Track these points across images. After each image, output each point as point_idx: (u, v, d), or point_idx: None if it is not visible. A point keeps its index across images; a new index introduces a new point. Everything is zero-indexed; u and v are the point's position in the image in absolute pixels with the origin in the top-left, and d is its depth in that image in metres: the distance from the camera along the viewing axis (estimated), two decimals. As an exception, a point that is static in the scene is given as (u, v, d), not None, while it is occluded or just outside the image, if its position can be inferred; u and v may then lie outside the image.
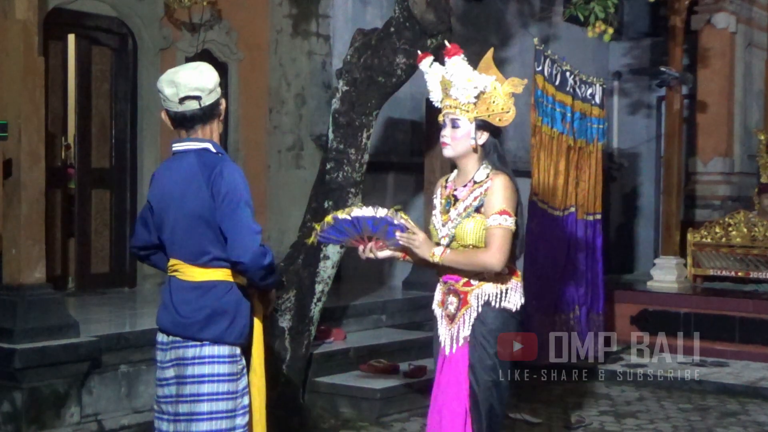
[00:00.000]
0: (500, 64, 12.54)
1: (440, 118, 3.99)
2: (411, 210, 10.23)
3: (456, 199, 3.91)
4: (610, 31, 7.34)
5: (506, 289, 3.89)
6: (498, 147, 3.97)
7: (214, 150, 3.52)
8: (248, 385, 3.58)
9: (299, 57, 9.58)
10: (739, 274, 9.01)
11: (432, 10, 6.16)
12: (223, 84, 9.02)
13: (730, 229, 9.27)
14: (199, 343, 3.46)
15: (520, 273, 3.98)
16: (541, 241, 7.15)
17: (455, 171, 4.01)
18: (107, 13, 8.03)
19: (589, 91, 7.68)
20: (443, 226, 3.91)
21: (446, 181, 4.05)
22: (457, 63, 4.05)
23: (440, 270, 3.94)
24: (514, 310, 3.92)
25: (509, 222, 3.75)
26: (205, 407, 3.45)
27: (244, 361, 3.57)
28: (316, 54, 9.75)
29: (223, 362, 3.46)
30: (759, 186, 10.13)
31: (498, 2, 11.56)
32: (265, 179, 9.18)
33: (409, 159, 10.16)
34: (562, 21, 10.84)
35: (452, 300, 3.92)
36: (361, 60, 6.27)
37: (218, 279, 3.49)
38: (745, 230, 9.25)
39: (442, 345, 3.94)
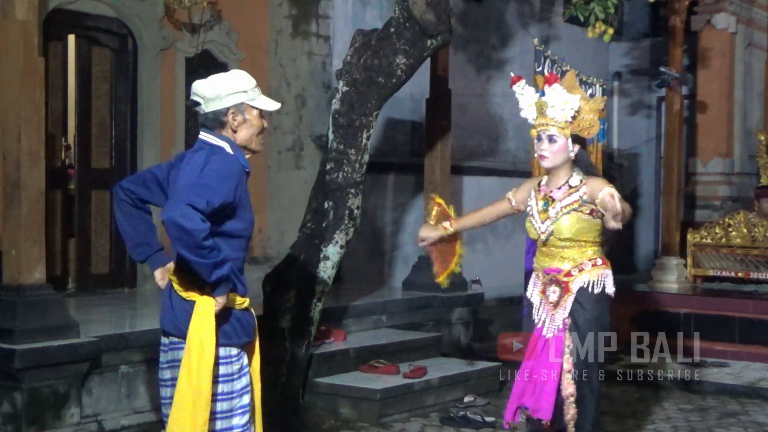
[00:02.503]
0: (500, 64, 12.69)
1: (533, 133, 4.64)
2: (411, 210, 10.23)
3: (553, 200, 4.59)
4: (610, 31, 7.33)
5: (601, 275, 4.58)
6: (585, 155, 4.77)
7: (230, 151, 3.59)
8: (249, 384, 3.57)
9: (299, 57, 9.59)
10: (739, 274, 9.00)
11: (432, 11, 6.16)
12: (223, 84, 9.06)
13: (730, 229, 9.27)
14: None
15: (609, 262, 4.65)
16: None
17: (545, 177, 4.70)
18: (107, 14, 8.03)
19: (589, 91, 7.67)
20: (542, 223, 4.60)
21: (538, 185, 4.72)
22: (556, 89, 4.56)
23: (540, 263, 4.65)
24: (607, 293, 4.59)
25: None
26: None
27: (242, 361, 3.56)
28: (316, 54, 9.76)
29: (217, 364, 3.45)
30: (756, 190, 10.12)
31: (498, 3, 11.56)
32: (265, 179, 9.18)
33: (409, 159, 10.16)
34: (562, 21, 10.85)
35: (554, 289, 4.60)
36: (361, 60, 6.27)
37: None
38: (745, 231, 9.25)
39: (543, 328, 4.60)
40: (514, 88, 4.77)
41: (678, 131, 9.95)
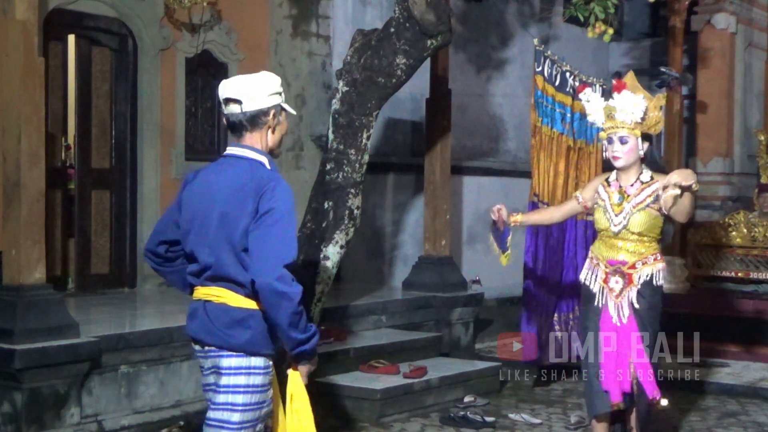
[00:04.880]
0: (500, 64, 12.69)
1: (603, 136, 5.06)
2: (410, 210, 10.24)
3: (627, 195, 4.99)
4: (610, 31, 7.33)
5: (659, 270, 5.02)
6: (654, 151, 5.13)
7: (269, 166, 3.50)
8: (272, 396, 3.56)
9: (299, 57, 9.59)
10: (739, 274, 9.00)
11: (432, 11, 6.16)
12: (223, 84, 9.07)
13: (730, 229, 9.26)
14: (234, 353, 3.42)
15: (663, 259, 5.10)
16: (541, 242, 7.16)
17: (613, 173, 5.08)
18: (107, 14, 8.03)
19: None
20: (616, 216, 5.01)
21: (606, 181, 5.11)
22: (624, 95, 4.93)
23: (602, 253, 5.10)
24: (662, 285, 5.05)
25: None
26: (236, 417, 3.44)
27: (273, 373, 3.55)
28: (316, 54, 9.76)
29: (258, 373, 3.45)
30: (758, 186, 10.12)
31: (498, 3, 11.56)
32: (265, 180, 9.17)
33: (409, 159, 10.16)
34: (562, 21, 10.85)
35: (617, 279, 5.01)
36: (361, 60, 6.27)
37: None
38: (745, 231, 9.24)
39: (612, 314, 5.02)
40: (581, 96, 5.29)
41: (678, 131, 9.95)
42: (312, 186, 6.55)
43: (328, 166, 6.28)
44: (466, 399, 6.96)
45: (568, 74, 7.43)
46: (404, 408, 6.61)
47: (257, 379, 3.44)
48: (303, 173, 9.41)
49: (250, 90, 3.46)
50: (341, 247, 6.24)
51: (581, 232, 7.57)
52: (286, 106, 3.60)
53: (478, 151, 11.52)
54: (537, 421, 6.51)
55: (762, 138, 10.79)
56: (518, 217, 5.49)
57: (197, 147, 8.72)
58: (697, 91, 11.70)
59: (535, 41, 7.31)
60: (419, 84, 8.83)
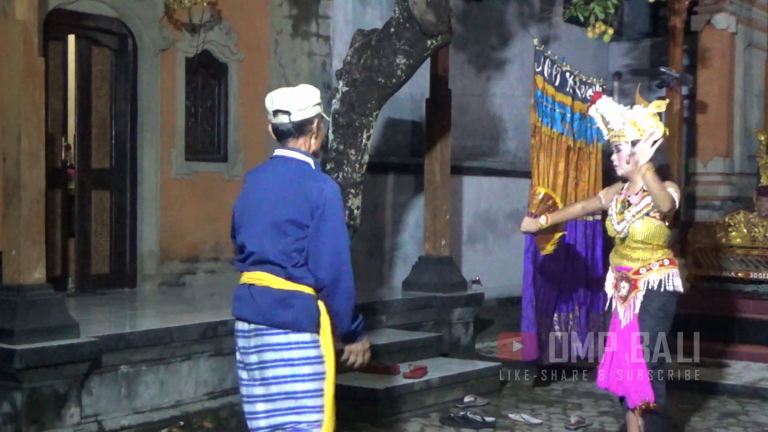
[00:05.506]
0: (500, 64, 12.68)
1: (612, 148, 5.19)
2: (410, 210, 10.24)
3: (629, 204, 5.10)
4: (610, 31, 7.34)
5: (667, 275, 5.07)
6: (660, 158, 5.03)
7: (314, 167, 3.89)
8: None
9: (299, 58, 9.59)
10: (739, 274, 8.99)
11: (432, 11, 6.16)
12: (223, 84, 9.11)
13: (730, 229, 9.26)
14: (282, 330, 3.76)
15: (677, 261, 5.19)
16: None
17: (628, 182, 5.17)
18: (107, 14, 8.03)
19: (589, 91, 7.66)
20: (618, 224, 5.13)
21: (621, 189, 5.24)
22: (603, 102, 5.17)
23: (614, 260, 5.22)
24: (672, 290, 5.09)
25: (676, 195, 4.94)
26: (299, 387, 3.76)
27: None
28: (316, 55, 9.76)
29: (309, 347, 3.78)
30: (757, 189, 10.11)
31: (498, 3, 11.56)
32: (265, 180, 9.17)
33: (409, 159, 10.16)
34: (562, 21, 10.86)
35: (624, 285, 5.15)
36: (360, 61, 6.27)
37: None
38: (745, 231, 9.23)
39: (620, 318, 5.17)
40: (590, 112, 5.43)
41: (678, 131, 9.95)
42: (312, 186, 6.53)
43: (328, 166, 6.28)
44: (466, 399, 6.95)
45: (568, 74, 7.43)
46: (404, 408, 6.60)
47: (309, 352, 3.77)
48: (303, 173, 9.39)
49: (297, 102, 3.85)
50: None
51: (581, 232, 7.58)
52: (325, 115, 3.98)
53: (478, 151, 11.52)
54: (537, 421, 6.51)
55: (762, 138, 10.78)
56: (543, 221, 5.79)
57: (197, 147, 8.73)
58: (697, 91, 11.70)
59: (535, 41, 7.31)
60: (419, 84, 8.84)
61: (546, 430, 6.39)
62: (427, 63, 7.99)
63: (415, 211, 10.12)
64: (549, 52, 7.36)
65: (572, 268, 7.54)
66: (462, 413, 6.55)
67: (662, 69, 9.77)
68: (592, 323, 7.72)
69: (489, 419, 6.44)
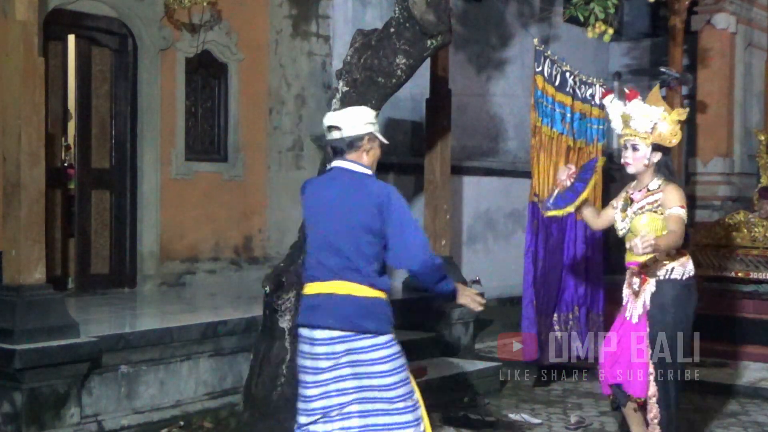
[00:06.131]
0: (500, 64, 12.65)
1: (621, 142, 5.24)
2: (411, 210, 10.22)
3: (632, 201, 5.20)
4: (610, 31, 7.33)
5: (674, 266, 5.10)
6: (668, 162, 5.24)
7: (371, 176, 4.16)
8: None
9: (299, 57, 9.59)
10: (739, 274, 8.99)
11: (432, 11, 6.15)
12: (223, 84, 9.11)
13: (730, 229, 9.26)
14: (368, 335, 4.10)
15: (688, 253, 5.22)
16: (541, 242, 7.16)
17: (635, 181, 5.27)
18: (107, 14, 8.03)
19: (589, 91, 7.68)
20: (622, 221, 5.22)
21: (629, 189, 5.31)
22: (636, 103, 5.17)
23: (626, 258, 5.19)
24: (679, 278, 5.11)
25: (683, 212, 5.03)
26: (389, 380, 4.14)
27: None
28: (316, 54, 9.76)
29: (391, 345, 4.20)
30: (759, 191, 10.09)
31: (498, 3, 11.57)
32: (265, 180, 9.18)
33: (409, 159, 10.16)
34: (562, 21, 10.85)
35: (635, 280, 5.21)
36: (361, 60, 6.26)
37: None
38: (745, 231, 9.24)
39: (628, 315, 5.22)
40: (604, 101, 5.51)
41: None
42: (312, 186, 6.54)
43: (328, 167, 6.27)
44: (466, 399, 6.95)
45: (568, 74, 7.43)
46: (404, 408, 6.59)
47: (391, 349, 4.18)
48: (303, 173, 9.41)
49: (349, 119, 4.15)
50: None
51: (581, 232, 7.58)
52: (378, 134, 4.20)
53: (478, 151, 11.52)
54: (537, 421, 6.51)
55: (762, 138, 10.79)
56: (585, 209, 5.56)
57: (197, 147, 8.73)
58: (697, 91, 11.70)
59: (535, 41, 7.31)
60: (419, 84, 8.83)
61: (546, 430, 6.39)
62: (427, 63, 7.99)
63: (415, 211, 10.09)
64: (549, 52, 7.36)
65: (572, 268, 7.54)
66: (462, 413, 6.55)
67: (662, 69, 9.76)
68: (592, 323, 7.72)
69: (489, 419, 6.44)
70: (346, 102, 6.26)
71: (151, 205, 8.28)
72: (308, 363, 4.16)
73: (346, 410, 4.15)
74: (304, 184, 4.32)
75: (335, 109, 6.42)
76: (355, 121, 4.14)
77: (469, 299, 4.35)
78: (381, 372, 4.13)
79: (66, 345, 5.39)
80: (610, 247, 7.82)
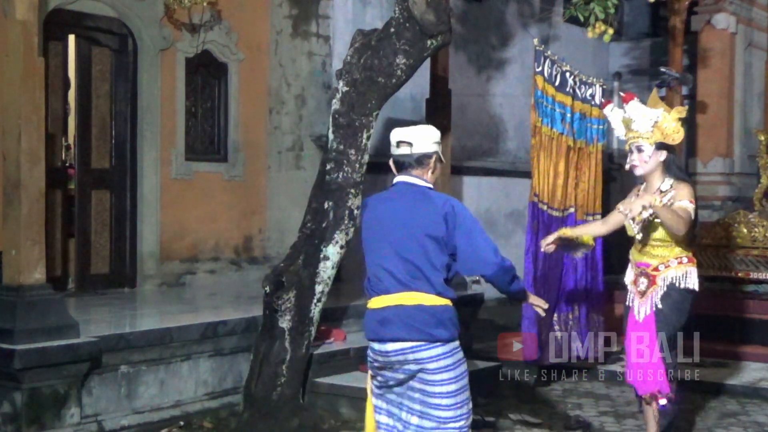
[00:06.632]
0: (500, 64, 12.66)
1: (626, 147, 5.34)
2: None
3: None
4: (610, 31, 7.33)
5: (686, 273, 5.22)
6: (676, 160, 5.31)
7: (434, 190, 4.24)
8: None
9: (299, 58, 9.59)
10: (739, 274, 8.99)
11: (432, 11, 6.16)
12: (223, 84, 9.12)
13: (730, 229, 9.26)
14: (439, 343, 4.12)
15: (695, 260, 5.33)
16: (541, 242, 7.15)
17: (644, 183, 5.33)
18: (107, 14, 8.03)
19: (589, 91, 7.68)
20: (636, 224, 5.16)
21: (638, 191, 5.38)
22: (633, 105, 5.24)
23: (633, 257, 5.37)
24: (691, 288, 5.25)
25: (691, 206, 5.08)
26: (454, 386, 4.14)
27: None
28: (316, 55, 9.76)
29: (458, 351, 4.19)
30: (765, 193, 10.04)
31: (498, 3, 11.57)
32: (265, 180, 9.18)
33: (409, 159, 10.14)
34: (562, 21, 10.85)
35: (643, 280, 5.28)
36: (361, 60, 6.26)
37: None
38: (745, 231, 9.23)
39: (635, 312, 5.31)
40: (605, 111, 5.65)
41: (678, 131, 9.93)
42: (312, 186, 6.54)
43: (328, 166, 6.28)
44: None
45: (568, 74, 7.43)
46: (404, 408, 6.59)
47: (458, 355, 4.18)
48: (303, 173, 9.41)
49: (420, 136, 4.29)
50: (341, 247, 6.23)
51: (581, 232, 7.56)
52: (441, 155, 4.30)
53: (478, 151, 11.52)
54: (537, 421, 6.51)
55: (762, 138, 10.78)
56: (566, 231, 5.66)
57: (197, 147, 8.73)
58: (697, 91, 11.69)
59: (535, 41, 7.30)
60: (419, 84, 8.83)
61: (546, 430, 6.38)
62: (427, 63, 7.99)
63: (415, 211, 10.11)
64: (549, 52, 7.36)
65: (572, 268, 7.54)
66: (462, 413, 6.54)
67: (662, 69, 9.76)
68: (592, 323, 7.72)
69: (489, 419, 6.43)
70: (346, 102, 6.27)
71: (151, 205, 8.28)
72: (387, 373, 4.35)
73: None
74: (365, 201, 4.45)
75: (336, 109, 6.45)
76: (426, 138, 4.27)
77: (536, 300, 4.56)
78: (447, 379, 4.17)
79: (66, 345, 5.39)
80: (610, 246, 7.82)
